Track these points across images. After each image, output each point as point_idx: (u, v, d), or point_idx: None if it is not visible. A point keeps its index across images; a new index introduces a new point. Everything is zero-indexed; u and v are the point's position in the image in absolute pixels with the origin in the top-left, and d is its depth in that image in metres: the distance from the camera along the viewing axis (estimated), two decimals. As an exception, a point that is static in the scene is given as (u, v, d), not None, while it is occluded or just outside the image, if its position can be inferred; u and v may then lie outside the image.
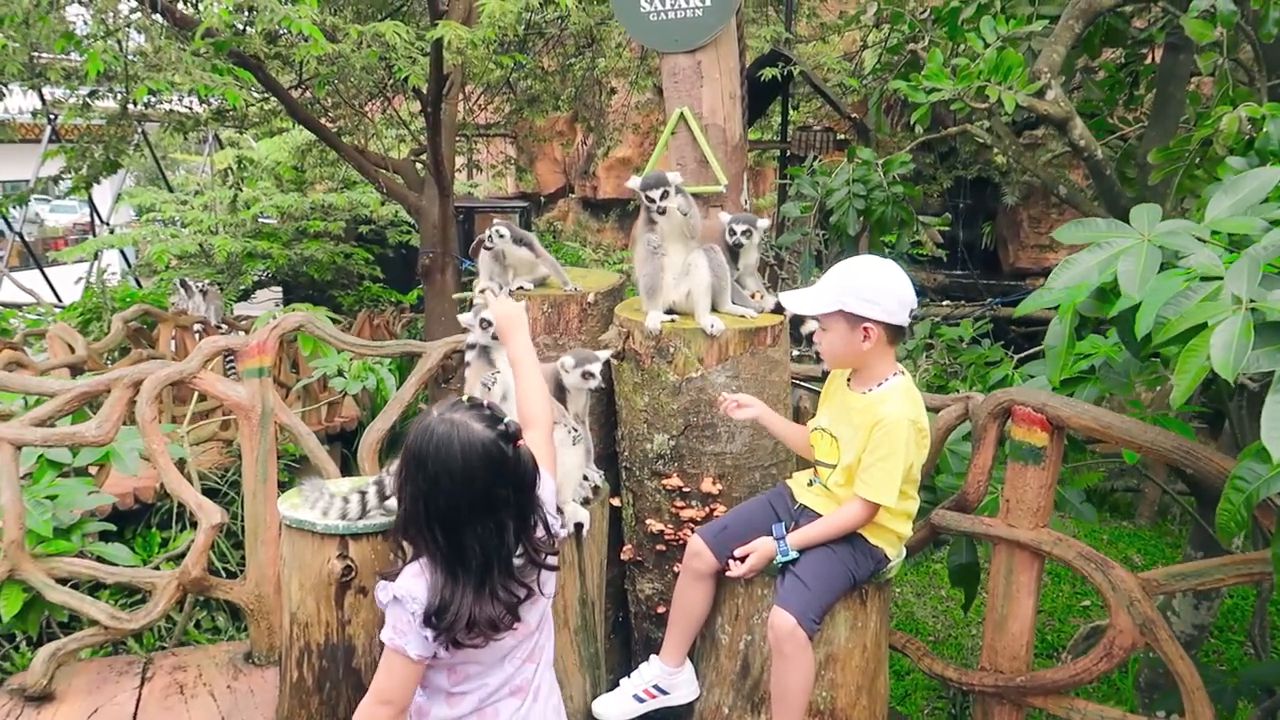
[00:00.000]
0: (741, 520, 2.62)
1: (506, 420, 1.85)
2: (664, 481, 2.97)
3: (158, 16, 6.32)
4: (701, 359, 2.88)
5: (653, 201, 2.93)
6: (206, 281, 8.91)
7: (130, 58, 6.26)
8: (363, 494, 2.72)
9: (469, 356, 2.93)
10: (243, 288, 11.94)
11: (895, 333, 2.40)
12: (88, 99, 7.23)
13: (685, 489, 2.95)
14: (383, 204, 11.31)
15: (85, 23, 6.54)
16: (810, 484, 2.60)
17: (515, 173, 13.46)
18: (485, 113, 11.10)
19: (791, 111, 12.22)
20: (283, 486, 3.20)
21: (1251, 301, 1.82)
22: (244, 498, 3.49)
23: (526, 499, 1.85)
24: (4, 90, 7.27)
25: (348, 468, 5.83)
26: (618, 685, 2.80)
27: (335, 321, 8.39)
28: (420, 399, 6.22)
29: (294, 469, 5.96)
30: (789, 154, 11.56)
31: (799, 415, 3.21)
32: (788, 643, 2.37)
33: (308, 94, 8.62)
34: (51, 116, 11.18)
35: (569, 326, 3.19)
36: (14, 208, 9.67)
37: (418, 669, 1.82)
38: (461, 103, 8.88)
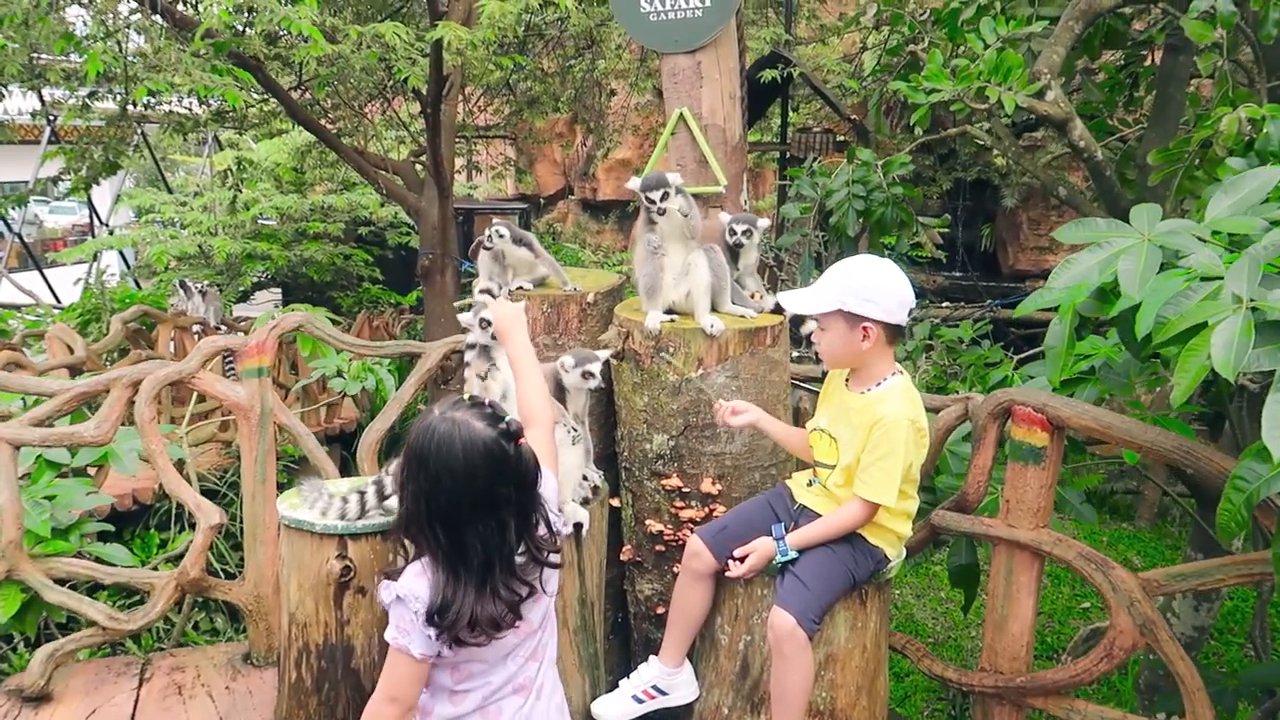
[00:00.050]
0: (741, 520, 2.61)
1: (508, 419, 1.85)
2: (663, 482, 2.97)
3: (157, 17, 6.32)
4: (701, 359, 2.88)
5: (653, 203, 2.93)
6: (206, 283, 8.90)
7: (130, 59, 6.26)
8: (361, 494, 2.71)
9: (468, 356, 2.93)
10: (242, 289, 11.93)
11: (894, 332, 2.40)
12: (87, 100, 7.23)
13: (685, 489, 2.95)
14: (382, 205, 11.30)
15: (85, 24, 6.53)
16: (810, 484, 2.60)
17: (515, 174, 13.44)
18: (485, 114, 11.10)
19: (791, 113, 12.23)
20: (282, 488, 3.20)
21: (1252, 301, 1.82)
22: (243, 498, 3.49)
23: (528, 497, 1.85)
24: (3, 91, 7.26)
25: (347, 469, 5.83)
26: (617, 686, 2.79)
27: (335, 323, 8.38)
28: (419, 400, 6.22)
29: (293, 470, 5.96)
30: (788, 156, 11.56)
31: (799, 416, 3.21)
32: (787, 643, 2.37)
33: (307, 95, 8.62)
34: (51, 118, 11.19)
35: (568, 326, 3.19)
36: (13, 209, 9.66)
37: (422, 667, 1.82)
38: (461, 104, 8.88)
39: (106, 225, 13.97)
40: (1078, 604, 5.97)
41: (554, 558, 1.92)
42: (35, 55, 6.48)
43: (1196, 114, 4.13)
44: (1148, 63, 4.86)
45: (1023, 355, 4.64)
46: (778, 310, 3.05)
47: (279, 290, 12.80)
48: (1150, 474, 5.48)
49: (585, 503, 2.76)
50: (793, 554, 2.45)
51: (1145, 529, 7.09)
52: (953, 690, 4.33)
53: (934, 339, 5.81)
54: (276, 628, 3.34)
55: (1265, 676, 3.25)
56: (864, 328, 2.34)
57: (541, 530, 1.90)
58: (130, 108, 7.24)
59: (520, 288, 3.26)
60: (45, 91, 8.97)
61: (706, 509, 2.93)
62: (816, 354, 2.62)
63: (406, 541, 1.87)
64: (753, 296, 3.14)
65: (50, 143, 12.00)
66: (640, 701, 2.73)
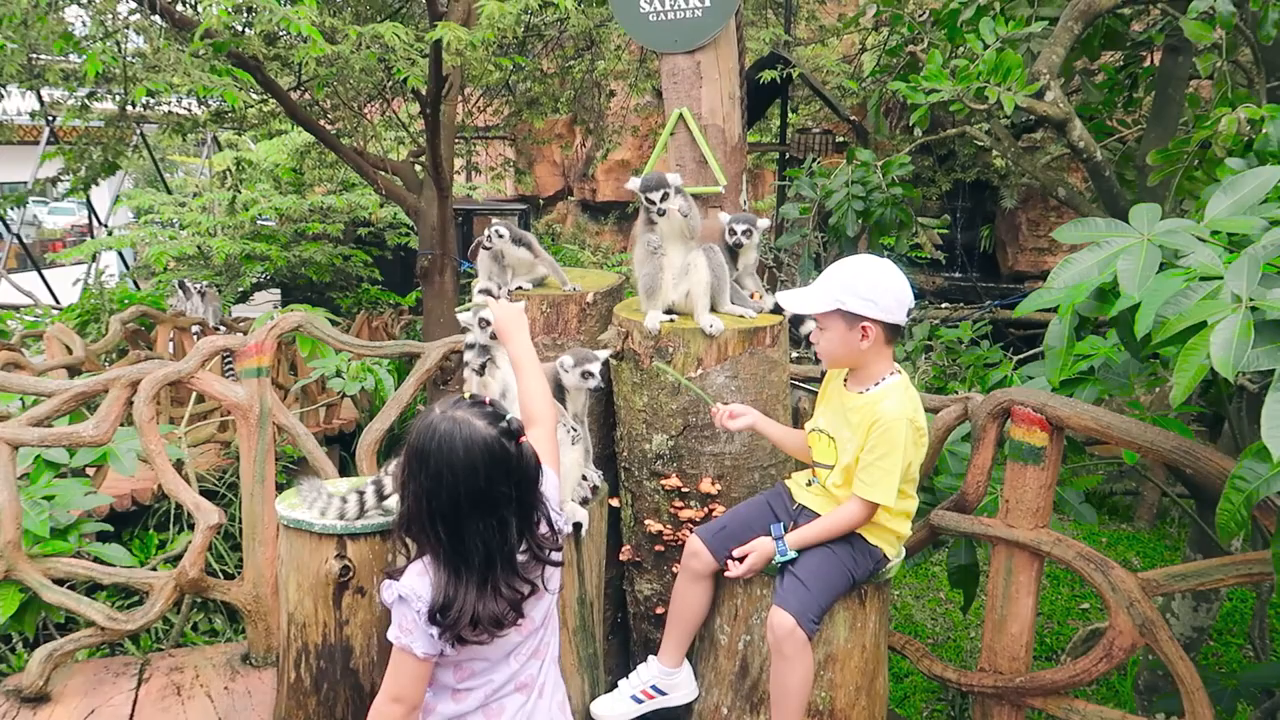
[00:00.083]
0: (740, 520, 2.61)
1: (508, 417, 1.85)
2: (663, 482, 2.97)
3: (156, 18, 6.32)
4: (700, 359, 2.88)
5: (653, 203, 2.93)
6: (205, 283, 8.91)
7: (129, 59, 6.26)
8: (360, 494, 2.71)
9: (468, 356, 2.93)
10: (241, 289, 11.94)
11: (893, 332, 2.39)
12: (86, 100, 7.23)
13: (684, 489, 2.95)
14: (381, 206, 11.31)
15: (84, 24, 6.53)
16: (809, 484, 2.60)
17: (514, 175, 13.45)
18: (484, 115, 11.10)
19: (790, 114, 12.24)
20: (281, 488, 3.20)
21: (1251, 300, 1.82)
22: (241, 499, 3.49)
23: (529, 495, 1.86)
24: (2, 91, 7.27)
25: (346, 470, 5.83)
26: (616, 686, 2.79)
27: (334, 323, 8.38)
28: (419, 400, 6.22)
29: (292, 471, 5.95)
30: (788, 156, 11.57)
31: (798, 416, 3.21)
32: (787, 643, 2.36)
33: (306, 95, 8.63)
34: (50, 118, 11.19)
35: (568, 326, 3.19)
36: (12, 209, 9.66)
37: (426, 666, 1.82)
38: (460, 105, 8.88)
39: (105, 226, 13.97)
40: (1076, 605, 5.97)
41: (555, 555, 1.92)
42: (34, 55, 6.48)
43: (1196, 115, 4.13)
44: (1147, 64, 4.87)
45: (1022, 355, 4.65)
46: (777, 310, 3.04)
47: (278, 291, 12.80)
48: (1149, 475, 5.48)
49: (584, 502, 2.76)
50: (792, 554, 2.45)
51: (1144, 530, 7.09)
52: (952, 690, 4.32)
53: (933, 339, 5.81)
54: (275, 628, 3.34)
55: (1264, 677, 3.25)
56: (863, 327, 2.34)
57: (543, 528, 1.90)
58: (129, 108, 7.25)
59: (519, 288, 3.26)
60: (44, 92, 8.98)
61: (706, 509, 2.93)
62: (816, 354, 2.62)
63: (408, 540, 1.87)
64: (752, 296, 3.14)
65: (49, 143, 12.00)
66: (639, 701, 2.73)
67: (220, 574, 5.26)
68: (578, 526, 2.69)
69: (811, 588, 2.40)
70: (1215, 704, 2.62)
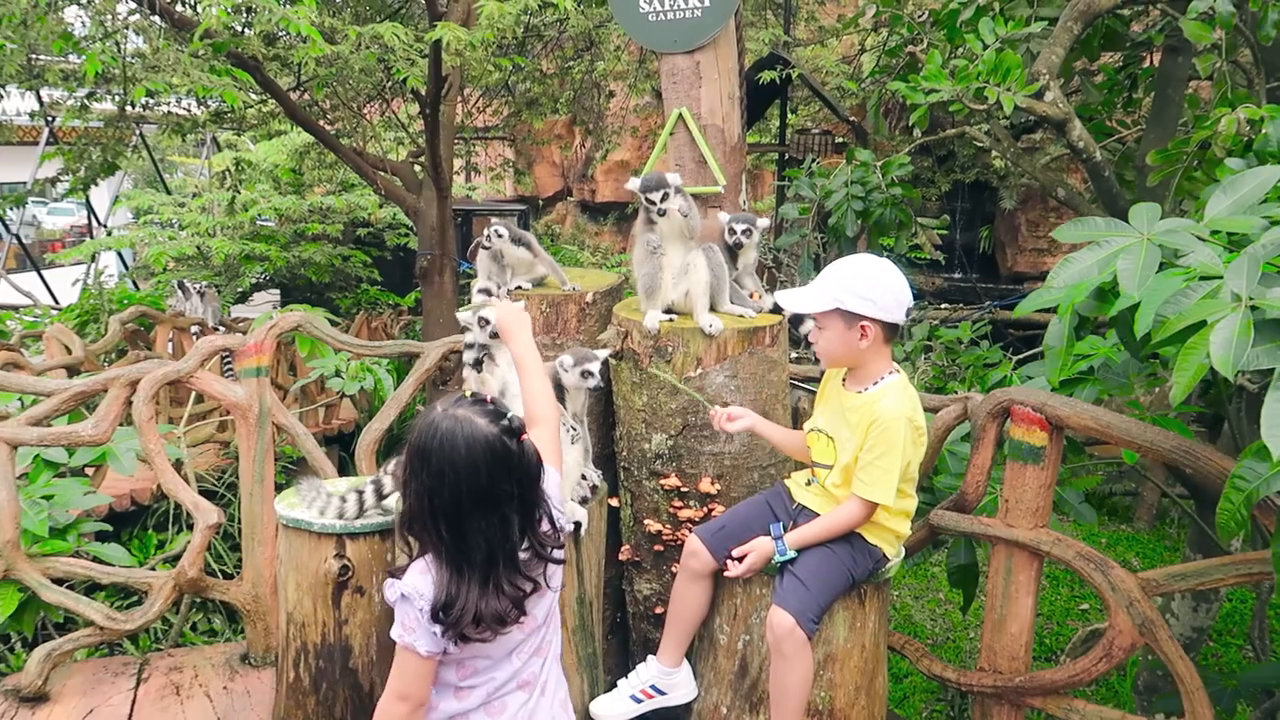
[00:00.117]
0: (739, 520, 2.61)
1: (510, 415, 1.85)
2: (662, 481, 2.97)
3: (156, 18, 6.32)
4: (700, 358, 2.88)
5: (653, 203, 2.93)
6: (204, 283, 8.91)
7: (128, 59, 6.26)
8: (360, 493, 2.71)
9: (466, 356, 2.92)
10: (240, 290, 11.94)
11: (892, 331, 2.40)
12: (85, 101, 7.23)
13: (683, 489, 2.95)
14: (381, 206, 11.31)
15: (83, 24, 6.54)
16: (808, 483, 2.59)
17: (513, 175, 13.45)
18: (484, 115, 11.11)
19: (790, 115, 12.25)
20: (280, 489, 3.20)
21: (1251, 299, 1.82)
22: (240, 498, 3.48)
23: (530, 493, 1.86)
24: (2, 92, 7.27)
25: (345, 470, 5.82)
26: (615, 686, 2.79)
27: (333, 324, 8.37)
28: (418, 400, 6.22)
29: (291, 471, 5.95)
30: (787, 157, 11.57)
31: (798, 416, 3.20)
32: (786, 642, 2.36)
33: (306, 96, 8.63)
34: (49, 118, 11.19)
35: (567, 326, 3.19)
36: (11, 209, 9.66)
37: (429, 664, 1.83)
38: (460, 105, 8.88)
39: (105, 226, 13.96)
40: (1076, 605, 5.97)
41: (557, 553, 1.93)
42: (34, 56, 6.48)
43: (1195, 115, 4.14)
44: (1146, 64, 4.87)
45: (1022, 356, 4.65)
46: (776, 310, 3.04)
47: (277, 291, 12.81)
48: (1149, 475, 5.47)
49: (584, 502, 2.76)
50: (791, 553, 2.45)
51: (1144, 531, 7.09)
52: (951, 691, 4.32)
53: (933, 340, 5.81)
54: (274, 628, 3.33)
55: (1264, 677, 3.25)
56: (862, 326, 2.34)
57: (545, 526, 1.90)
58: (129, 108, 7.25)
59: (519, 287, 3.26)
60: (44, 92, 8.98)
61: (705, 508, 2.93)
62: (816, 354, 2.62)
63: (410, 539, 1.87)
64: (751, 296, 3.14)
65: (49, 143, 12.00)
66: (638, 701, 2.73)
67: (219, 574, 5.26)
68: (577, 526, 2.69)
69: (811, 587, 2.40)
70: (1215, 704, 2.62)
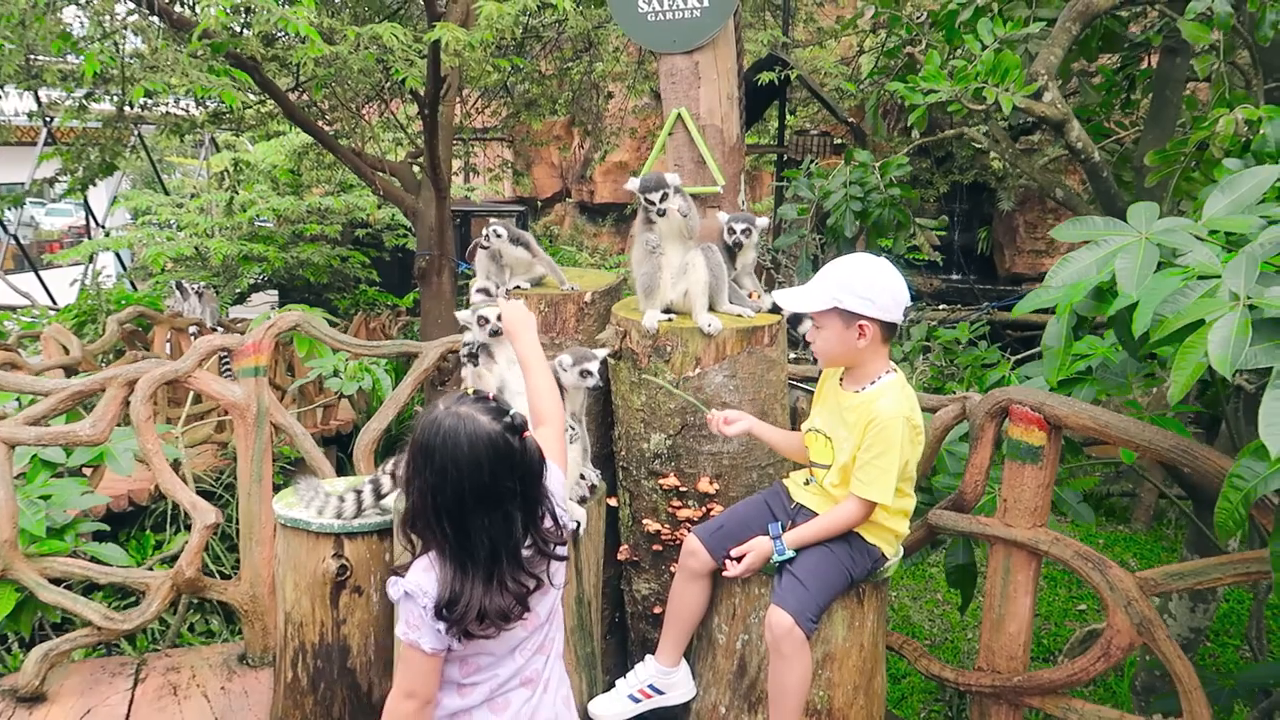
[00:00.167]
0: (738, 519, 2.61)
1: (512, 412, 1.86)
2: (661, 481, 2.96)
3: (155, 18, 6.32)
4: (699, 358, 2.88)
5: (652, 204, 2.93)
6: (202, 284, 8.91)
7: (127, 59, 6.26)
8: (358, 493, 2.71)
9: (465, 355, 2.92)
10: (238, 290, 11.94)
11: (890, 331, 2.40)
12: (84, 101, 7.23)
13: (682, 488, 2.95)
14: (379, 207, 11.32)
15: (82, 24, 6.54)
16: (806, 483, 2.59)
17: (512, 176, 13.46)
18: (482, 116, 11.11)
19: (788, 116, 12.26)
20: (278, 489, 3.19)
21: (1249, 298, 1.82)
22: (238, 498, 3.48)
23: (533, 490, 1.86)
24: (0, 92, 7.26)
25: (343, 471, 5.82)
26: (614, 685, 2.79)
27: (331, 324, 8.37)
28: (416, 400, 6.22)
29: (290, 472, 5.95)
30: (785, 158, 11.59)
31: (796, 416, 3.21)
32: (785, 642, 2.36)
33: (304, 96, 8.63)
34: (47, 119, 11.19)
35: (566, 326, 3.18)
36: (9, 210, 9.65)
37: (435, 661, 1.83)
38: (459, 106, 8.89)
39: (103, 227, 13.95)
40: (1073, 606, 5.97)
41: (560, 550, 1.93)
42: (32, 56, 6.48)
43: (1193, 116, 4.14)
44: (1144, 65, 4.88)
45: (1020, 356, 4.65)
46: (775, 310, 3.04)
47: (275, 292, 12.81)
48: (1147, 476, 5.48)
49: (582, 501, 2.76)
50: (790, 553, 2.45)
51: (1141, 532, 7.10)
52: (949, 691, 4.33)
53: (931, 340, 5.81)
54: (272, 628, 3.33)
55: (1261, 676, 3.26)
56: (860, 326, 2.34)
57: (548, 523, 1.91)
58: (127, 109, 7.25)
59: (517, 287, 3.26)
60: (42, 92, 8.98)
61: (704, 508, 2.93)
62: (814, 354, 2.62)
63: (413, 537, 1.87)
64: (750, 296, 3.14)
65: (47, 144, 11.99)
66: (637, 701, 2.72)
67: (217, 575, 5.25)
68: (575, 525, 2.69)
69: (809, 587, 2.40)
70: (1212, 704, 2.62)
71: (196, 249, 10.81)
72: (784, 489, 2.65)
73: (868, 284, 2.32)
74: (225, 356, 5.50)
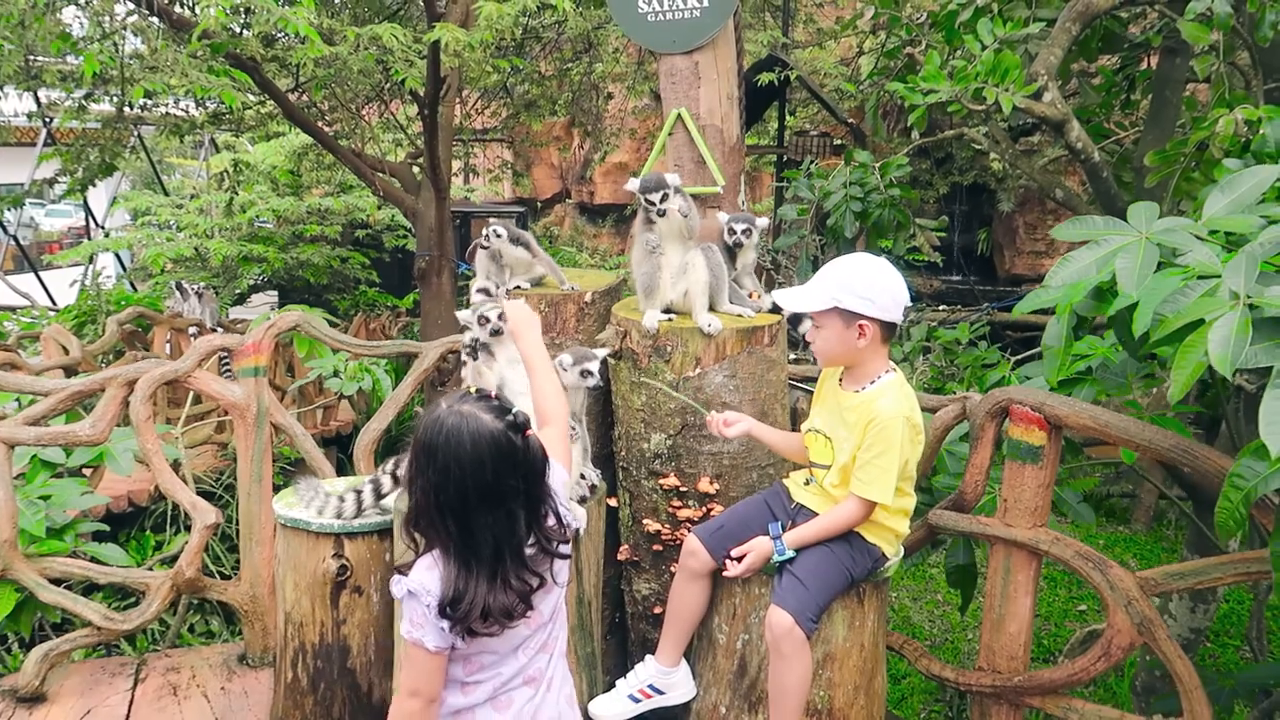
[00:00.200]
0: (738, 519, 2.61)
1: (515, 410, 1.86)
2: (661, 481, 2.96)
3: (154, 18, 6.32)
4: (699, 358, 2.88)
5: (652, 204, 2.93)
6: (202, 285, 8.90)
7: (126, 60, 6.26)
8: (358, 493, 2.71)
9: (465, 355, 2.92)
10: (238, 291, 11.94)
11: (889, 330, 2.40)
12: (84, 101, 7.23)
13: (682, 488, 2.95)
14: (379, 208, 11.31)
15: (81, 25, 6.54)
16: (806, 483, 2.59)
17: (512, 177, 13.46)
18: (482, 117, 11.11)
19: (788, 116, 12.26)
20: (278, 490, 3.19)
21: (1249, 298, 1.82)
22: (238, 498, 3.48)
23: (536, 488, 1.87)
24: (0, 93, 7.26)
25: (343, 472, 5.82)
26: (614, 686, 2.79)
27: (331, 325, 8.37)
28: (416, 401, 6.22)
29: (290, 473, 5.95)
30: (785, 159, 11.59)
31: (796, 416, 3.21)
32: (785, 642, 2.36)
33: (304, 97, 8.63)
34: (47, 119, 11.18)
35: (566, 326, 3.18)
36: (9, 211, 9.64)
37: (439, 659, 1.83)
38: (458, 107, 8.89)
39: (103, 227, 13.95)
40: (1074, 607, 5.97)
41: (564, 548, 1.93)
42: (31, 56, 6.48)
43: (1193, 116, 4.14)
44: (1144, 66, 4.88)
45: (1020, 356, 4.65)
46: (775, 310, 3.05)
47: (275, 293, 12.81)
48: (1147, 476, 5.48)
49: (583, 501, 2.76)
50: (790, 553, 2.45)
51: (1141, 533, 7.10)
52: (950, 691, 4.33)
53: (931, 341, 5.81)
54: (272, 628, 3.33)
55: (1262, 676, 3.26)
56: (860, 325, 2.34)
57: (551, 521, 1.91)
58: (126, 109, 7.25)
59: (517, 287, 3.26)
60: (41, 93, 8.98)
61: (704, 508, 2.93)
62: (814, 354, 2.62)
63: (416, 535, 1.87)
64: (750, 296, 3.14)
65: (46, 144, 11.98)
66: (637, 701, 2.72)
67: (217, 575, 5.25)
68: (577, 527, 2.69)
69: (810, 586, 2.40)
70: (1213, 704, 2.62)
71: (196, 250, 10.80)
72: (784, 489, 2.65)
73: (867, 284, 2.32)
74: (225, 357, 5.50)
